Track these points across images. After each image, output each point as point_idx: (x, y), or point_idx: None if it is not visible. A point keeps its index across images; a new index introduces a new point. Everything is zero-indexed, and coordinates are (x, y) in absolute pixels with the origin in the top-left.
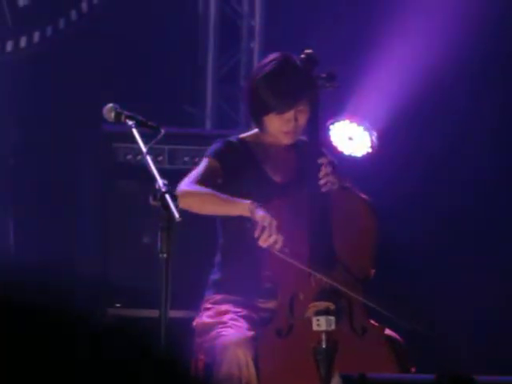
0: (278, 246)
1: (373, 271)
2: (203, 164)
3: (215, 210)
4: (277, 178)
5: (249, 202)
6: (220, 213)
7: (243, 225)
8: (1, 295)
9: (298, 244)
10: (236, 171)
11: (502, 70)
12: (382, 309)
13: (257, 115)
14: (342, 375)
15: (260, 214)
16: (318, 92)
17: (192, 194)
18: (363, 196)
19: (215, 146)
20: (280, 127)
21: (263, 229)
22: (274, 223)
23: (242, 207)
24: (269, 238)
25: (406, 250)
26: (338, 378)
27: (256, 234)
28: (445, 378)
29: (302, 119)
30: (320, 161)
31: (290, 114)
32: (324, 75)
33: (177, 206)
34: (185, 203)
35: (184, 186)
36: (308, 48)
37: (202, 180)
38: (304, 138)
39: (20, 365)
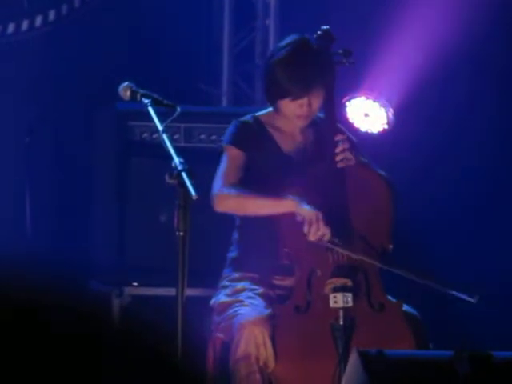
0: (326, 238)
1: (390, 246)
2: (226, 158)
3: (260, 211)
4: (294, 157)
5: (291, 198)
6: (265, 213)
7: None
8: (17, 274)
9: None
10: (253, 151)
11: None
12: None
13: (272, 98)
14: (359, 351)
15: (306, 210)
16: (334, 71)
17: (231, 197)
18: (380, 172)
19: (231, 132)
20: (294, 111)
21: (311, 223)
22: (320, 216)
23: (286, 205)
24: (317, 232)
25: (421, 225)
26: (355, 354)
27: (305, 230)
28: (464, 354)
29: (316, 104)
30: (337, 137)
31: (304, 100)
32: (340, 51)
33: (193, 184)
34: (226, 207)
35: (219, 189)
36: (324, 25)
37: (233, 177)
38: (321, 114)
39: (36, 346)
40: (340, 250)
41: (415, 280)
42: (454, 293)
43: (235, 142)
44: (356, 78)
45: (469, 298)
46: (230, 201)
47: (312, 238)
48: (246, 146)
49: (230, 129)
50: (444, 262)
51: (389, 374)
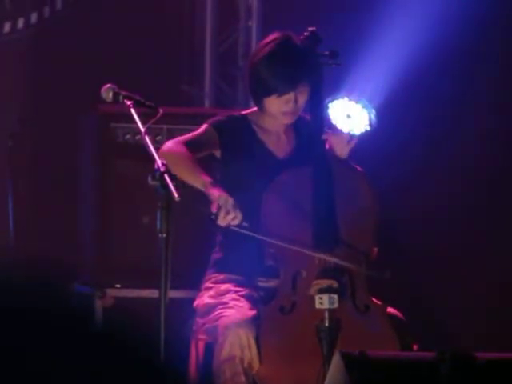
0: (236, 222)
1: (375, 249)
2: (200, 129)
3: (182, 175)
4: (279, 155)
5: (209, 179)
6: (185, 180)
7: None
8: (0, 278)
9: (301, 221)
10: (237, 147)
11: (501, 44)
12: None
13: (257, 96)
14: (341, 352)
15: (215, 193)
16: (320, 70)
17: (171, 151)
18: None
19: (218, 117)
20: (279, 108)
21: (220, 207)
22: (231, 201)
23: (200, 182)
24: (227, 216)
25: (406, 227)
26: (338, 355)
27: (215, 214)
28: (446, 354)
29: (302, 100)
30: (324, 137)
31: (289, 96)
32: (327, 53)
33: (175, 186)
34: (164, 157)
35: (171, 141)
36: (306, 26)
37: (191, 143)
38: (304, 114)
39: (18, 348)
40: (253, 235)
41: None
42: (369, 272)
43: (215, 124)
44: (338, 79)
45: (379, 274)
46: (168, 155)
47: (220, 222)
48: (224, 133)
49: (218, 115)
50: (428, 261)
51: (371, 375)
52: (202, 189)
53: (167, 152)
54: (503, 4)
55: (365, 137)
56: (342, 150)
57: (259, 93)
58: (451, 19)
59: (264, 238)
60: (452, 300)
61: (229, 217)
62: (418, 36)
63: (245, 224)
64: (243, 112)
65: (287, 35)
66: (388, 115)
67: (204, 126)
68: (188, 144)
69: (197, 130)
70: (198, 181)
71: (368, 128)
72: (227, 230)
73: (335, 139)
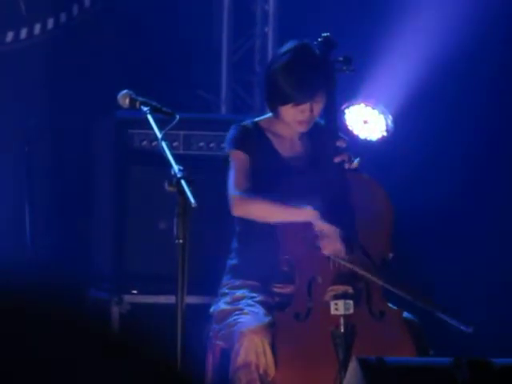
0: (341, 255)
1: (391, 254)
2: (234, 162)
3: (281, 218)
4: (293, 162)
5: (310, 208)
6: (287, 221)
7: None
8: (16, 283)
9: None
10: (255, 157)
11: None
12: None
13: (272, 104)
14: (359, 359)
15: (325, 224)
16: (335, 77)
17: (253, 202)
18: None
19: (233, 135)
20: (295, 117)
21: (329, 238)
22: (338, 232)
23: (308, 215)
24: (334, 247)
25: (421, 233)
26: (355, 361)
27: (321, 243)
28: (463, 360)
29: (317, 109)
30: (338, 143)
31: (306, 106)
32: (341, 58)
33: (192, 192)
34: (247, 211)
35: (240, 193)
36: (323, 32)
37: (247, 181)
38: (320, 121)
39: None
40: (348, 266)
41: (411, 301)
42: (452, 321)
43: (240, 145)
44: (355, 85)
45: (464, 328)
46: (252, 206)
47: (326, 251)
48: (248, 149)
49: (232, 132)
50: (444, 267)
51: (388, 381)
52: (310, 220)
53: (250, 206)
54: None
55: (382, 142)
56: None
57: (276, 101)
58: (469, 22)
59: (362, 273)
60: (469, 305)
61: (336, 249)
62: (437, 40)
63: (346, 257)
64: (256, 120)
65: (305, 44)
66: (406, 121)
67: (235, 156)
68: (245, 186)
69: (231, 160)
70: (302, 215)
71: (385, 134)
72: (244, 235)
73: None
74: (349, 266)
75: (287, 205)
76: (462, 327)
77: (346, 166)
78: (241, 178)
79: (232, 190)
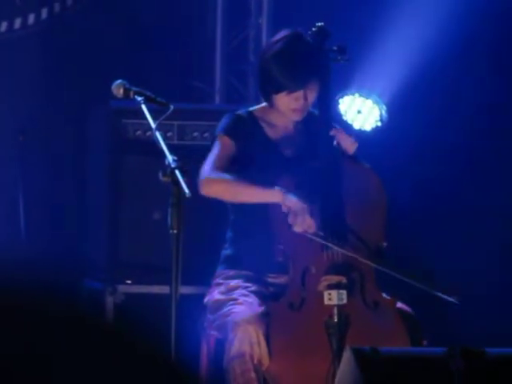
0: (311, 230)
1: (385, 244)
2: (218, 145)
3: (247, 198)
4: (287, 152)
5: (278, 188)
6: (252, 201)
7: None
8: (12, 274)
9: (312, 217)
10: (246, 145)
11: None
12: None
13: (266, 92)
14: (352, 349)
15: (293, 200)
16: (329, 66)
17: (220, 182)
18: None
19: (225, 122)
20: (289, 105)
21: (297, 214)
22: (307, 208)
23: (273, 194)
24: (303, 223)
25: (416, 222)
26: (349, 351)
27: (290, 221)
28: (456, 350)
29: (311, 97)
30: (332, 133)
31: (299, 93)
32: (335, 48)
33: (186, 182)
34: (213, 190)
35: (208, 173)
36: (317, 22)
37: (222, 164)
38: (314, 110)
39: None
40: (325, 243)
41: (401, 278)
42: (438, 294)
43: (228, 131)
44: (349, 75)
45: (451, 299)
46: (218, 185)
47: (297, 229)
48: (238, 137)
49: (224, 119)
50: (442, 260)
51: (382, 370)
52: (276, 200)
53: (215, 184)
54: None
55: (376, 132)
56: (349, 147)
57: (269, 89)
58: (469, 15)
59: (337, 248)
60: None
61: (305, 224)
62: (430, 30)
63: (320, 233)
64: (250, 109)
65: (297, 33)
66: (400, 111)
67: (218, 140)
68: (220, 167)
69: (215, 142)
70: (267, 195)
71: (379, 124)
72: (238, 225)
73: (342, 135)
74: (321, 241)
75: (254, 185)
76: (450, 299)
77: (343, 144)
78: (218, 161)
79: (204, 170)
